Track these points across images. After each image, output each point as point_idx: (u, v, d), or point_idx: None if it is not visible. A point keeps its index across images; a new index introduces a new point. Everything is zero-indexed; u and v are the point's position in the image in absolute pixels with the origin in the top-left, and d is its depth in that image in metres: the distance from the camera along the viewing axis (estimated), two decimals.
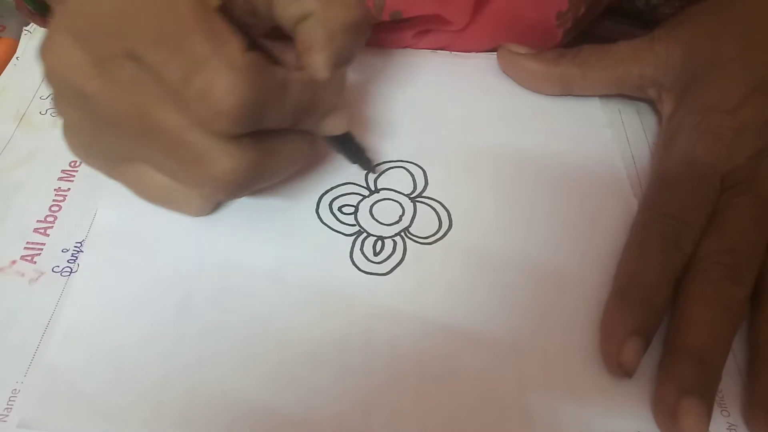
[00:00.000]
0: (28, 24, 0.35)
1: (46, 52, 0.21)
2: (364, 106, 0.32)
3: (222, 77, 0.19)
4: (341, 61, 0.23)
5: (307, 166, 0.28)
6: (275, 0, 0.23)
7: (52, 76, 0.21)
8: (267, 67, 0.21)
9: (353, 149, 0.28)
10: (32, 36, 0.35)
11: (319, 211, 0.28)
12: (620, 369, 0.23)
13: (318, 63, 0.22)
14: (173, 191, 0.25)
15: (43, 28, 0.34)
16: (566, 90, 0.33)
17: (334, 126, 0.24)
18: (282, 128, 0.22)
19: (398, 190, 0.29)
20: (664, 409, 0.23)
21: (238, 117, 0.19)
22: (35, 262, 0.26)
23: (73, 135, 0.24)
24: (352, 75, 0.33)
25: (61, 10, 0.20)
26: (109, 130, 0.22)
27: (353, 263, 0.27)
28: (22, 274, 0.26)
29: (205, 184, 0.21)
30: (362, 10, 0.23)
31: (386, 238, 0.28)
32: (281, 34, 0.24)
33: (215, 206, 0.27)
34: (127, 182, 0.25)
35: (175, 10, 0.19)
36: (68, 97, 0.22)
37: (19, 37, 0.34)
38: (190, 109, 0.20)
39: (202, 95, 0.19)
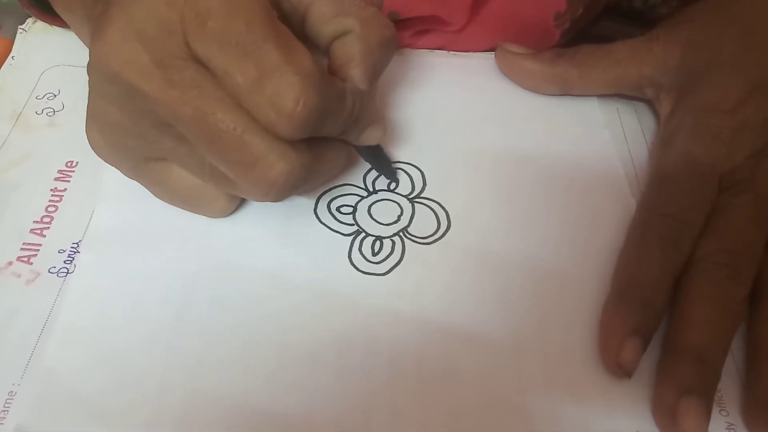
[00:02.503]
0: (24, 23, 0.35)
1: (105, 50, 0.21)
2: None
3: (293, 84, 0.20)
4: (376, 74, 0.25)
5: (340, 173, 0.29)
6: (311, 16, 0.24)
7: (105, 72, 0.21)
8: (330, 78, 0.21)
9: (382, 159, 0.28)
10: (27, 35, 0.34)
11: (318, 211, 0.28)
12: (620, 369, 0.23)
13: (357, 76, 0.24)
14: (198, 191, 0.25)
15: (41, 21, 0.34)
16: (564, 90, 0.33)
17: (373, 136, 0.25)
18: (330, 136, 0.23)
19: (396, 190, 0.29)
20: (663, 408, 0.23)
21: (305, 123, 0.20)
22: (32, 263, 0.26)
23: (100, 132, 0.24)
24: None
25: (121, 8, 0.20)
26: (154, 130, 0.22)
27: (352, 263, 0.27)
28: (19, 275, 0.26)
29: (258, 185, 0.21)
30: (394, 29, 0.25)
31: (385, 238, 0.27)
32: None
33: (237, 207, 0.27)
34: (149, 181, 0.25)
35: (247, 17, 0.20)
36: (117, 95, 0.22)
37: (14, 37, 0.34)
38: (256, 112, 0.20)
39: (272, 100, 0.20)
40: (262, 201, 0.26)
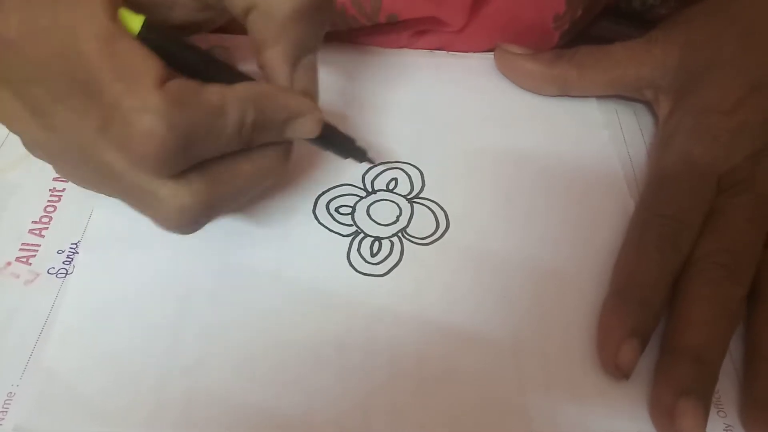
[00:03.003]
0: None
1: None
2: (360, 106, 0.32)
3: (136, 123, 0.17)
4: (300, 53, 0.21)
5: (300, 170, 0.27)
6: None
7: (7, 128, 0.21)
8: (195, 95, 0.18)
9: (340, 144, 0.25)
10: None
11: (316, 211, 0.28)
12: (618, 370, 0.23)
13: (273, 60, 0.20)
14: None
15: None
16: (563, 91, 0.33)
17: (303, 131, 0.21)
18: (233, 151, 0.20)
19: (395, 191, 0.29)
20: (661, 409, 0.23)
21: (165, 159, 0.18)
22: (30, 264, 0.26)
23: (59, 170, 0.23)
24: (350, 76, 0.33)
25: None
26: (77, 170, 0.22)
27: (350, 264, 0.27)
28: (17, 276, 0.26)
29: (158, 224, 0.20)
30: None
31: (383, 238, 0.27)
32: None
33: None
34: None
35: (80, 51, 0.18)
36: (26, 143, 0.21)
37: None
38: (122, 155, 0.19)
39: (124, 143, 0.18)
40: (183, 234, 0.22)
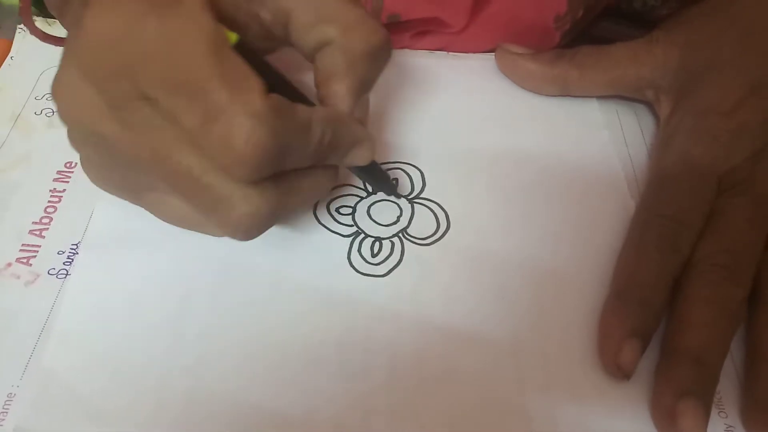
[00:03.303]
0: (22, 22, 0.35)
1: (58, 92, 0.20)
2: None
3: (241, 126, 0.18)
4: (364, 88, 0.23)
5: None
6: (292, 27, 0.22)
7: (66, 117, 0.21)
8: (289, 110, 0.20)
9: (377, 176, 0.27)
10: (26, 35, 0.34)
11: (317, 212, 0.28)
12: (618, 371, 0.23)
13: (340, 92, 0.22)
14: (197, 217, 0.24)
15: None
16: (564, 90, 0.33)
17: (358, 158, 0.23)
18: (302, 167, 0.22)
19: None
20: (662, 410, 0.23)
21: (259, 165, 0.19)
22: (31, 265, 0.26)
23: (91, 168, 0.23)
24: None
25: (71, 49, 0.19)
26: (128, 168, 0.21)
27: (351, 265, 0.27)
28: (18, 277, 0.26)
29: (222, 227, 0.21)
30: (384, 34, 0.22)
31: (384, 239, 0.27)
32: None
33: None
34: (149, 208, 0.24)
35: (191, 53, 0.18)
36: (84, 137, 0.21)
37: (13, 38, 0.34)
38: (210, 155, 0.19)
39: (221, 143, 0.18)
40: (240, 240, 0.23)
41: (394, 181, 0.29)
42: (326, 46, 0.22)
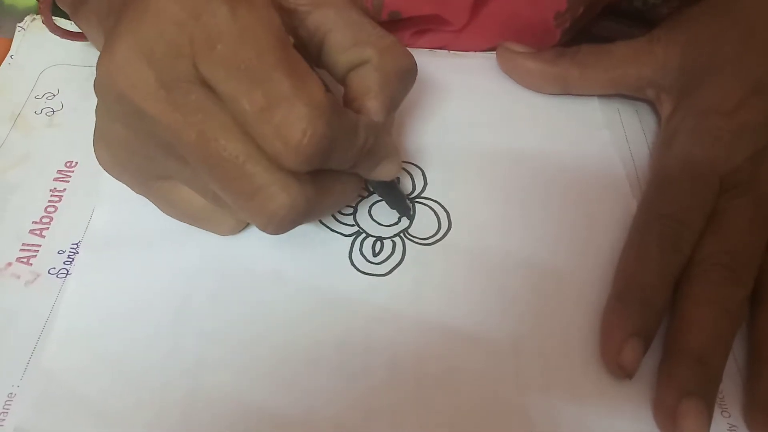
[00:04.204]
0: (22, 21, 0.34)
1: (110, 69, 0.20)
2: None
3: (302, 115, 0.19)
4: (393, 106, 0.24)
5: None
6: (327, 46, 0.23)
7: (112, 92, 0.21)
8: (342, 110, 0.21)
9: (396, 195, 0.27)
10: (26, 34, 0.34)
11: None
12: (620, 370, 0.23)
13: (374, 108, 0.23)
14: (206, 212, 0.25)
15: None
16: (565, 89, 0.33)
17: (386, 172, 0.24)
18: (340, 169, 0.23)
19: None
20: (664, 410, 0.23)
21: (311, 156, 0.19)
22: (31, 264, 0.26)
23: (108, 148, 0.23)
24: None
25: (130, 25, 0.20)
26: (159, 150, 0.22)
27: (352, 264, 0.26)
28: (18, 276, 0.25)
29: (258, 216, 0.21)
30: (413, 58, 0.24)
31: (385, 238, 0.27)
32: None
33: (245, 226, 0.27)
34: (157, 199, 0.25)
35: (259, 43, 0.19)
36: (123, 114, 0.21)
37: (13, 36, 0.34)
38: (261, 141, 0.20)
39: (279, 131, 0.19)
40: (269, 233, 0.24)
41: (395, 180, 0.29)
42: (362, 65, 0.23)
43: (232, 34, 0.19)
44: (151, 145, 0.21)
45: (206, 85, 0.20)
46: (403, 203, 0.28)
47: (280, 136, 0.19)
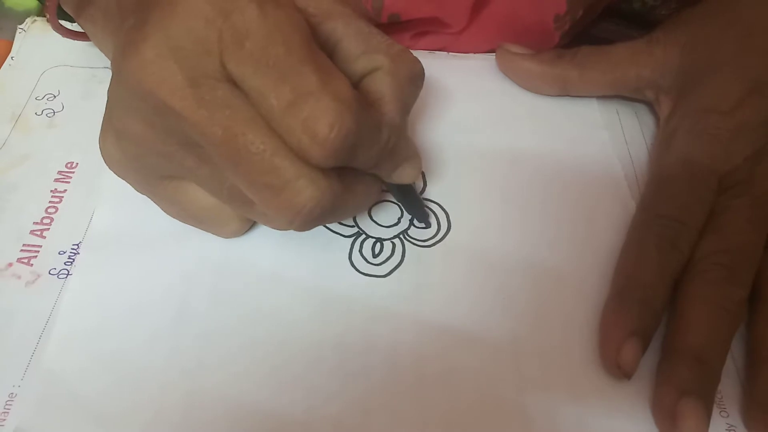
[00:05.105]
0: (23, 23, 0.35)
1: (138, 66, 0.20)
2: None
3: (329, 109, 0.19)
4: (407, 110, 0.24)
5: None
6: (340, 54, 0.23)
7: (136, 89, 0.21)
8: (368, 107, 0.21)
9: (414, 199, 0.27)
10: (27, 35, 0.34)
11: None
12: (619, 370, 0.23)
13: (390, 113, 0.23)
14: (211, 212, 0.25)
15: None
16: (564, 91, 0.33)
17: (407, 174, 0.24)
18: (363, 168, 0.23)
19: None
20: (663, 410, 0.23)
21: (338, 150, 0.19)
22: (32, 265, 0.26)
23: (118, 145, 0.23)
24: None
25: (158, 24, 0.20)
26: (179, 148, 0.22)
27: (352, 265, 0.27)
28: (19, 277, 0.26)
29: (284, 211, 0.21)
30: (421, 64, 0.24)
31: (385, 240, 0.27)
32: None
33: (248, 228, 0.27)
34: (162, 198, 0.25)
35: (287, 40, 0.19)
36: (145, 111, 0.21)
37: (13, 38, 0.34)
38: (288, 136, 0.20)
39: (306, 125, 0.19)
40: (285, 229, 0.24)
41: (413, 185, 0.28)
42: (375, 72, 0.23)
43: (260, 32, 0.19)
44: (170, 142, 0.22)
45: (232, 82, 0.20)
46: (421, 209, 0.28)
47: (308, 129, 0.19)
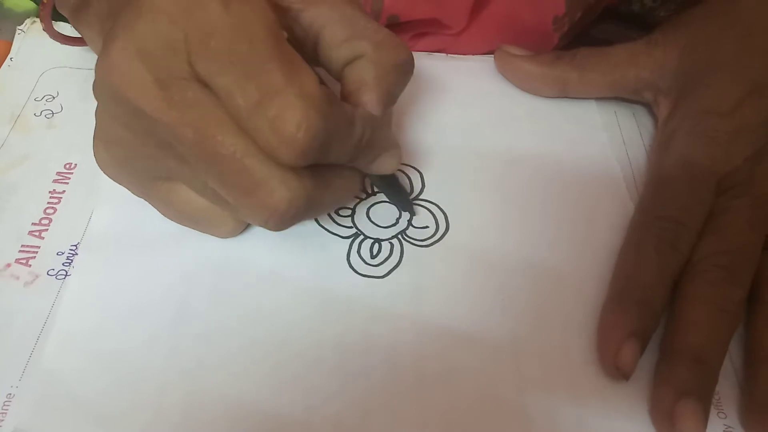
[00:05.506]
0: (22, 24, 0.35)
1: (107, 69, 0.20)
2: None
3: (296, 108, 0.19)
4: (391, 100, 0.24)
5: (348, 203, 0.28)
6: (323, 42, 0.23)
7: (110, 93, 0.21)
8: (337, 102, 0.20)
9: (397, 190, 0.27)
10: (26, 36, 0.34)
11: None
12: (617, 371, 0.23)
13: (371, 102, 0.23)
14: (205, 213, 0.24)
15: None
16: (563, 92, 0.33)
17: (386, 165, 0.24)
18: (338, 163, 0.22)
19: None
20: (661, 410, 0.23)
21: (307, 149, 0.19)
22: (30, 265, 0.26)
23: (107, 150, 0.23)
24: None
25: (125, 26, 0.20)
26: (158, 149, 0.21)
27: (350, 266, 0.27)
28: (17, 278, 0.25)
29: (257, 212, 0.21)
30: (409, 51, 0.24)
31: (383, 240, 0.27)
32: None
33: (244, 228, 0.27)
34: (156, 200, 0.25)
35: (251, 36, 0.19)
36: (121, 114, 0.21)
37: (12, 39, 0.34)
38: (256, 136, 0.19)
39: (273, 124, 0.19)
40: (270, 229, 0.23)
41: (396, 175, 0.28)
42: (358, 59, 0.23)
43: (224, 29, 0.19)
44: (150, 144, 0.21)
45: (202, 81, 0.20)
46: (404, 198, 0.28)
47: (275, 130, 0.19)
